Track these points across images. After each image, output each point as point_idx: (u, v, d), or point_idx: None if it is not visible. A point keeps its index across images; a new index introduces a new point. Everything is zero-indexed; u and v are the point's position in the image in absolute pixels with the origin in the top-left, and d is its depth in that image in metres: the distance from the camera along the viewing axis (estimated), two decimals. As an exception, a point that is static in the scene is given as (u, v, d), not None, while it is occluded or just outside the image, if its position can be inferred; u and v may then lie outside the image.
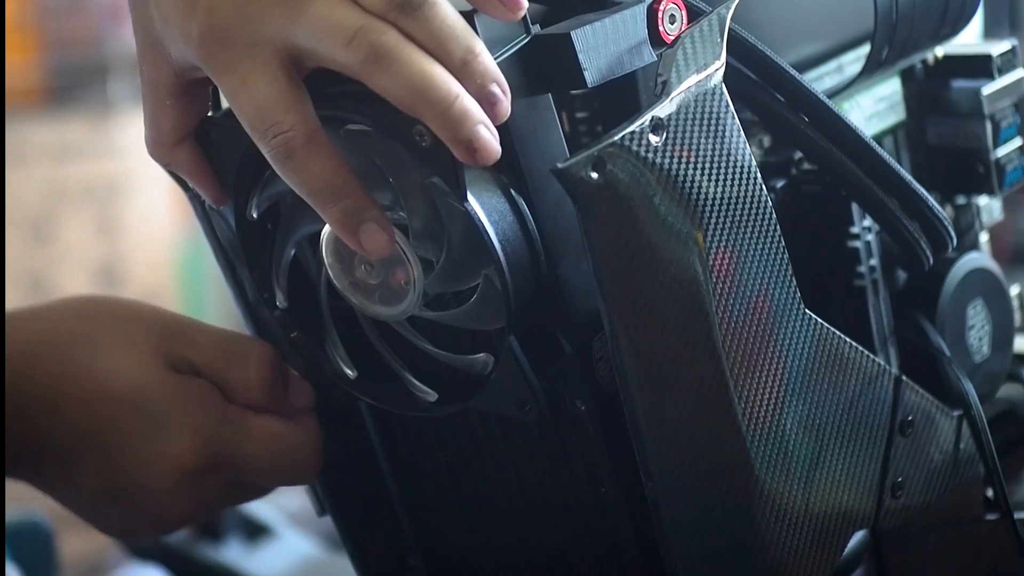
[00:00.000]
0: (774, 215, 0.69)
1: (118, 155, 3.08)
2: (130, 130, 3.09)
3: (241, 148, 0.72)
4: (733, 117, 0.67)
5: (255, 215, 0.74)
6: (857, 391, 0.73)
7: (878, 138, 0.81)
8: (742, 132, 0.67)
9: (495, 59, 0.66)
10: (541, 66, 0.67)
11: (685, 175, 0.65)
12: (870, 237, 0.79)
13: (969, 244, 0.85)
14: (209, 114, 0.74)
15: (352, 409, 0.80)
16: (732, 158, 0.67)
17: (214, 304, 3.11)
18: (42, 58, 3.16)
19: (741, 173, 0.67)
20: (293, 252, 0.74)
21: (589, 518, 0.76)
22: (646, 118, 0.64)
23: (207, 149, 0.73)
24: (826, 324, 0.71)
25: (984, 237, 0.87)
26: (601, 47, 0.67)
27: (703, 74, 0.66)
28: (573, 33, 0.66)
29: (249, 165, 0.73)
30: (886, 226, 0.76)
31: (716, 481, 0.70)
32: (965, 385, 0.79)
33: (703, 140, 0.66)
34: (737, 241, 0.67)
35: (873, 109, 0.82)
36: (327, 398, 0.79)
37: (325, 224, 0.70)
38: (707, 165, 0.66)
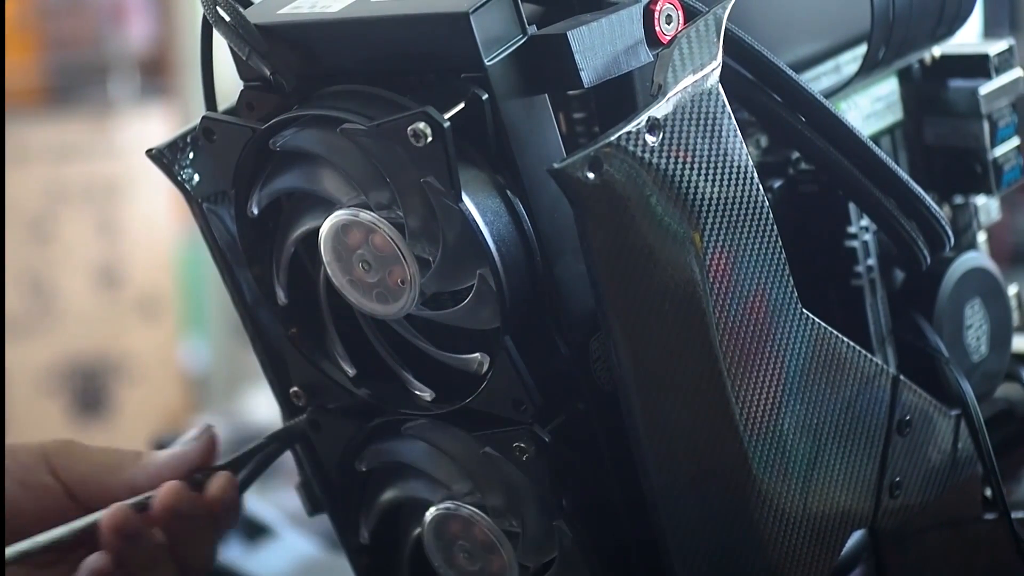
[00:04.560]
0: (771, 215, 0.69)
1: (118, 155, 3.08)
2: (130, 130, 3.09)
3: (241, 145, 0.72)
4: (730, 117, 0.67)
5: (255, 212, 0.74)
6: (855, 391, 0.73)
7: (875, 138, 0.81)
8: (739, 132, 0.67)
9: (492, 59, 0.66)
10: (538, 66, 0.67)
11: (682, 175, 0.65)
12: (868, 237, 0.79)
13: (967, 243, 0.85)
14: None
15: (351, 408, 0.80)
16: (729, 158, 0.67)
17: (214, 304, 3.11)
18: (42, 58, 3.15)
19: (738, 173, 0.67)
20: (293, 249, 0.74)
21: (588, 517, 0.76)
22: (643, 118, 0.64)
23: (208, 146, 0.73)
24: (824, 324, 0.71)
25: (982, 236, 0.87)
26: (597, 47, 0.67)
27: (700, 74, 0.66)
28: (569, 33, 0.66)
29: (249, 162, 0.73)
30: (884, 226, 0.76)
31: (714, 481, 0.70)
32: (963, 385, 0.79)
33: (700, 140, 0.66)
34: (734, 241, 0.67)
35: (870, 109, 0.82)
36: (325, 395, 0.79)
37: (325, 221, 0.70)
38: (704, 165, 0.66)
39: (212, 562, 0.77)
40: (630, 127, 0.64)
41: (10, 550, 0.73)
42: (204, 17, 0.72)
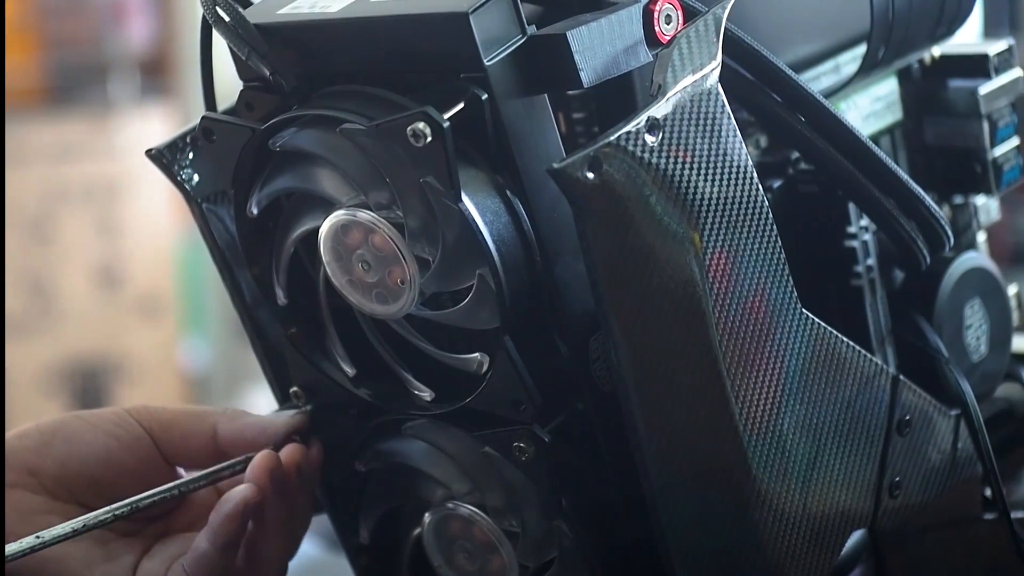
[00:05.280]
0: (771, 215, 0.69)
1: (118, 155, 3.07)
2: (130, 130, 3.08)
3: (241, 145, 0.72)
4: (729, 117, 0.67)
5: (255, 212, 0.74)
6: (855, 391, 0.73)
7: (875, 138, 0.81)
8: (738, 132, 0.67)
9: (492, 59, 0.66)
10: (537, 66, 0.67)
11: (681, 175, 0.65)
12: (867, 237, 0.79)
13: (967, 243, 0.85)
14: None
15: (346, 408, 0.81)
16: (728, 158, 0.67)
17: (214, 304, 3.11)
18: (42, 58, 3.15)
19: (737, 173, 0.67)
20: (293, 250, 0.74)
21: (587, 517, 0.76)
22: (642, 118, 0.64)
23: (208, 146, 0.73)
24: (823, 324, 0.71)
25: (982, 236, 0.87)
26: (597, 47, 0.67)
27: (699, 74, 0.66)
28: (569, 34, 0.66)
29: (249, 162, 0.73)
30: (883, 226, 0.76)
31: (714, 481, 0.70)
32: (962, 385, 0.79)
33: (699, 140, 0.66)
34: (733, 241, 0.67)
35: (870, 109, 0.82)
36: (325, 395, 0.79)
37: (324, 221, 0.70)
38: (703, 165, 0.66)
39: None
40: (630, 127, 0.64)
41: (116, 505, 0.73)
42: (204, 17, 0.72)
